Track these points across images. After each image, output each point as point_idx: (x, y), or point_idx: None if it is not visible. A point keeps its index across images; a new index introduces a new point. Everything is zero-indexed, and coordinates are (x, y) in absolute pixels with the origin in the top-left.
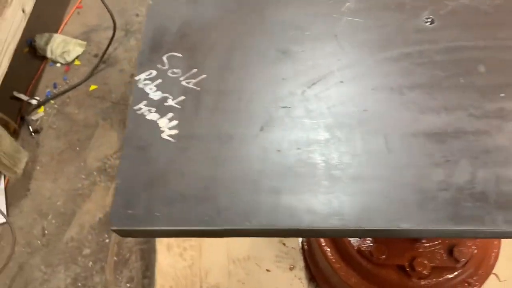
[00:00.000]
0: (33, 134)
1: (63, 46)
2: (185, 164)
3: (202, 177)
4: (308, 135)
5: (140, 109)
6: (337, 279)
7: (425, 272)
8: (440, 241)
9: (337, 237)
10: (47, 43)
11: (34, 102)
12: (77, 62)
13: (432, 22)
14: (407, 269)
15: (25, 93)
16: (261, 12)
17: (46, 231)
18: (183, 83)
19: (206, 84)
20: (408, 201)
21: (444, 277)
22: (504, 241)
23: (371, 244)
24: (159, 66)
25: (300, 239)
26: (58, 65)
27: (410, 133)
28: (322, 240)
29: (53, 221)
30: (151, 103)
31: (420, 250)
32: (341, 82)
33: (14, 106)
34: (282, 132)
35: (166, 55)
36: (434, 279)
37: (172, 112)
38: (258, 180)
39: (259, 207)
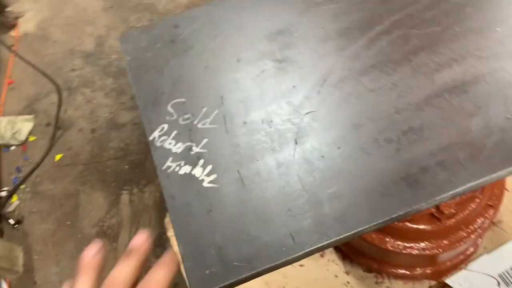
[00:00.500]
0: (16, 226)
1: (11, 127)
2: (237, 204)
3: (260, 210)
4: None
5: (169, 167)
6: (373, 247)
7: (452, 211)
8: None
9: None
10: None
11: (3, 194)
12: (31, 138)
13: None
14: (436, 215)
15: None
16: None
17: None
18: (199, 125)
19: (220, 119)
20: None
21: (469, 209)
22: None
23: None
24: (167, 118)
25: None
26: (13, 148)
27: (434, 94)
28: None
29: None
30: (177, 157)
31: None
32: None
33: None
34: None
35: (170, 104)
36: (461, 214)
37: (202, 158)
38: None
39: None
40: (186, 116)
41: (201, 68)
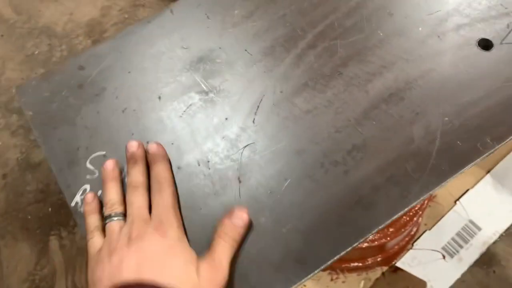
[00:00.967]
0: None
1: None
2: None
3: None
4: None
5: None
6: None
7: None
8: None
9: None
10: None
11: None
12: None
13: None
14: None
15: None
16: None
17: None
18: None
19: None
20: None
21: None
22: None
23: None
24: (88, 177)
25: None
26: None
27: (371, 106)
28: None
29: None
30: None
31: None
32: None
33: None
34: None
35: (88, 160)
36: None
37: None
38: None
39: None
40: None
41: (119, 112)
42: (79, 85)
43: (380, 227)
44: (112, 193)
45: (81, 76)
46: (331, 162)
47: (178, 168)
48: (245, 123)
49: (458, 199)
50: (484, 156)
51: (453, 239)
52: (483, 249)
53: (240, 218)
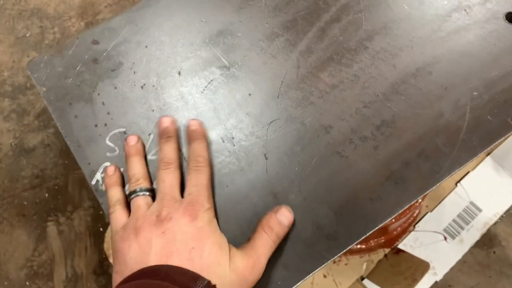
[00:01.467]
0: None
1: None
2: None
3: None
4: None
5: None
6: None
7: None
8: None
9: None
10: None
11: None
12: None
13: None
14: None
15: None
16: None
17: None
18: (149, 157)
19: None
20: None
21: None
22: None
23: None
24: (108, 154)
25: None
26: None
27: (399, 80)
28: None
29: None
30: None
31: None
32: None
33: None
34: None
35: (108, 137)
36: None
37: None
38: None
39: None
40: None
41: (138, 88)
42: (94, 59)
43: (412, 203)
44: (137, 168)
45: (96, 51)
46: (360, 138)
47: None
48: (269, 99)
49: (459, 181)
50: None
51: (454, 220)
52: (483, 230)
53: (287, 216)
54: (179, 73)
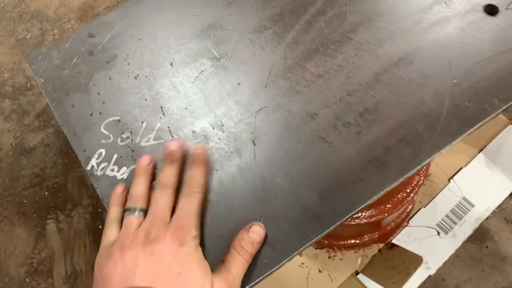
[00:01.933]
0: None
1: None
2: (214, 220)
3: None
4: None
5: None
6: None
7: None
8: None
9: None
10: None
11: None
12: None
13: None
14: None
15: None
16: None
17: None
18: (143, 143)
19: (165, 132)
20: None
21: None
22: None
23: None
24: (103, 141)
25: None
26: None
27: (382, 70)
28: None
29: None
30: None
31: None
32: None
33: None
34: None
35: (103, 125)
36: None
37: (156, 178)
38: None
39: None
40: (124, 136)
41: (131, 78)
42: (89, 52)
43: (393, 185)
44: (140, 188)
45: (92, 44)
46: (344, 124)
47: (193, 132)
48: (257, 88)
49: (451, 177)
50: (492, 116)
51: (447, 216)
52: (476, 225)
53: (259, 234)
54: (171, 64)
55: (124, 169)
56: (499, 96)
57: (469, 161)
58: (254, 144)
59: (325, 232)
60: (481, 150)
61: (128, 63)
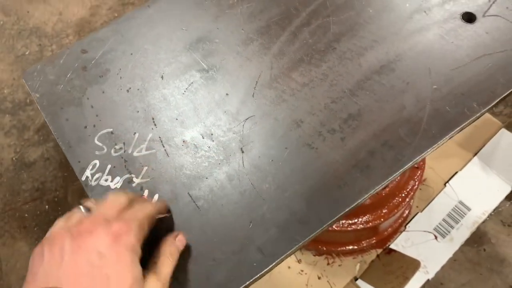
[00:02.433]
0: None
1: None
2: (196, 229)
3: (220, 231)
4: None
5: None
6: None
7: None
8: None
9: None
10: None
11: None
12: None
13: None
14: None
15: None
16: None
17: None
18: (135, 154)
19: (157, 142)
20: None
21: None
22: None
23: None
24: (97, 152)
25: None
26: None
27: (364, 77)
28: None
29: None
30: None
31: None
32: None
33: None
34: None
35: (96, 137)
36: (394, 181)
37: (146, 188)
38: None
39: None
40: (117, 147)
41: (124, 91)
42: (83, 67)
43: (377, 188)
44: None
45: (85, 59)
46: (329, 130)
47: (184, 141)
48: (245, 98)
49: (447, 182)
50: (471, 119)
51: (444, 220)
52: (473, 228)
53: (182, 242)
54: (162, 77)
55: (117, 179)
56: (478, 100)
57: (464, 165)
58: (243, 152)
59: (312, 235)
60: (475, 154)
61: (121, 77)
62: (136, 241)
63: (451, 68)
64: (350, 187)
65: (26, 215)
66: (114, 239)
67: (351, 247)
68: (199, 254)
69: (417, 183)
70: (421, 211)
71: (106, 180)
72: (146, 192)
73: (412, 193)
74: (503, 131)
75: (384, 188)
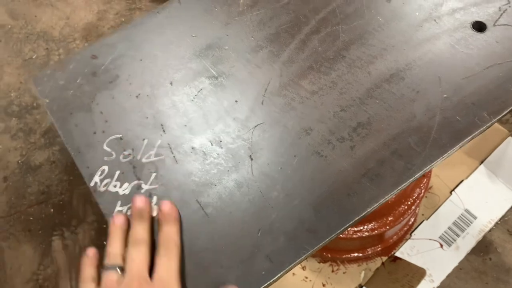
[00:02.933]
0: None
1: None
2: (204, 236)
3: (229, 239)
4: None
5: (121, 212)
6: None
7: None
8: None
9: None
10: None
11: None
12: None
13: None
14: None
15: None
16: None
17: None
18: (144, 160)
19: (165, 149)
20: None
21: None
22: None
23: None
24: (106, 158)
25: None
26: None
27: (374, 86)
28: None
29: None
30: (126, 200)
31: None
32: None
33: None
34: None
35: (105, 143)
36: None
37: (154, 195)
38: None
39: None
40: (126, 153)
41: (133, 97)
42: (92, 73)
43: (387, 197)
44: (116, 247)
45: (95, 65)
46: (338, 139)
47: (192, 148)
48: (254, 105)
49: (453, 190)
50: (482, 129)
51: (450, 228)
52: (479, 237)
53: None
54: (171, 83)
55: (126, 185)
56: (488, 109)
57: (470, 173)
58: (251, 159)
59: (321, 244)
60: (482, 162)
61: (130, 83)
62: None
63: (462, 77)
64: (360, 196)
65: (31, 218)
66: None
67: (356, 254)
68: (207, 261)
69: (423, 190)
70: (427, 219)
71: (115, 186)
72: (155, 199)
73: (418, 201)
74: (510, 139)
75: None
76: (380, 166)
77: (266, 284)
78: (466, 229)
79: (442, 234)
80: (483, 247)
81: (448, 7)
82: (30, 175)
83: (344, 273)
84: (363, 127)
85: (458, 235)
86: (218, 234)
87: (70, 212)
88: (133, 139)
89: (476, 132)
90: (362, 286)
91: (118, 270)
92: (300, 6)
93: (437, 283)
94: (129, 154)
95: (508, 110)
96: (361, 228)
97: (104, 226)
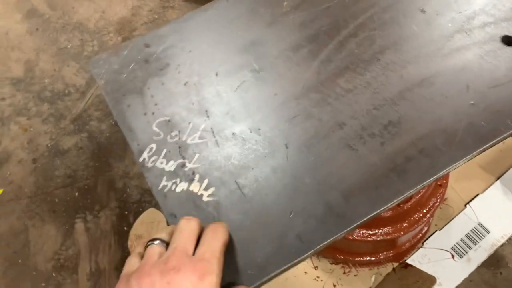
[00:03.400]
0: None
1: None
2: (241, 214)
3: (263, 218)
4: None
5: (165, 186)
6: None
7: None
8: None
9: None
10: None
11: None
12: None
13: None
14: None
15: None
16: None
17: None
18: (189, 141)
19: (208, 133)
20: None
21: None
22: None
23: None
24: (154, 137)
25: None
26: None
27: (406, 88)
28: None
29: None
30: (171, 176)
31: None
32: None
33: None
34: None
35: (155, 124)
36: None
37: (197, 173)
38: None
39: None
40: (173, 134)
41: (181, 85)
42: (145, 60)
43: (411, 191)
44: (170, 228)
45: (147, 53)
46: (369, 135)
47: (233, 134)
48: (292, 98)
49: (468, 203)
50: (504, 135)
51: (462, 240)
52: (491, 251)
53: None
54: (217, 74)
55: (171, 162)
56: None
57: (486, 188)
58: (287, 148)
59: (348, 229)
60: (498, 178)
61: (179, 72)
62: (218, 280)
63: (489, 86)
64: (387, 189)
65: (57, 200)
66: (200, 277)
67: (368, 258)
68: (243, 236)
69: (438, 200)
70: (440, 230)
71: (161, 163)
72: (197, 177)
73: (433, 210)
74: None
75: (406, 202)
76: (408, 163)
77: (296, 261)
78: (478, 242)
79: (454, 245)
80: (495, 261)
81: (480, 21)
82: (58, 159)
83: (355, 275)
84: (394, 125)
85: (470, 248)
86: (253, 212)
87: (94, 197)
88: (180, 122)
89: (499, 138)
90: None
91: (162, 242)
92: (340, 10)
93: None
94: (176, 135)
95: None
96: (376, 231)
97: (126, 213)
